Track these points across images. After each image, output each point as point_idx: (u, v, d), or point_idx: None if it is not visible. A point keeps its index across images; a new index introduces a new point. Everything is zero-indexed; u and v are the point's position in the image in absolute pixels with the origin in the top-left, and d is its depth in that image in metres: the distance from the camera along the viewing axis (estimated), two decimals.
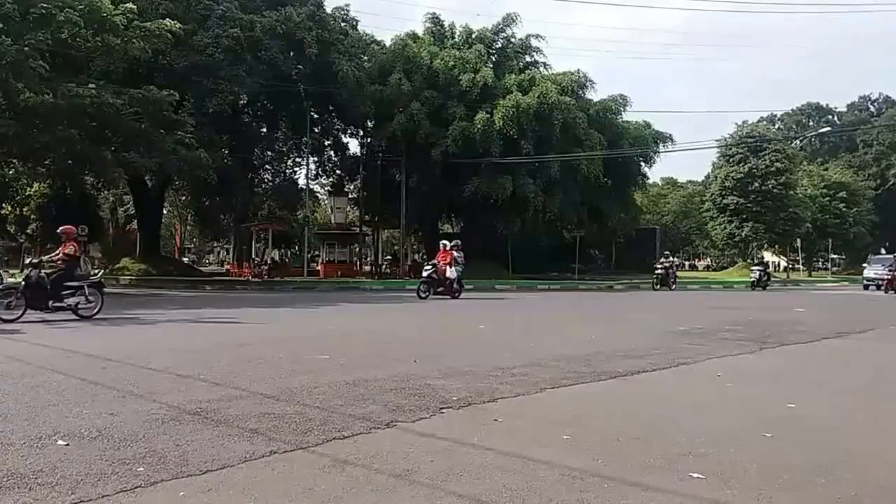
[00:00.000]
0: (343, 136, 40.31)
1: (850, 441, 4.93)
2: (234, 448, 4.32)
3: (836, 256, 63.31)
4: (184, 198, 44.43)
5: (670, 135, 41.28)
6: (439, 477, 3.88)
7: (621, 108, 39.85)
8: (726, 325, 13.08)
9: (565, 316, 16.70)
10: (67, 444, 4.34)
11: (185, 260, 56.71)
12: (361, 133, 39.57)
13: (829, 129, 69.44)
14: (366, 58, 35.64)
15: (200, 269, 51.75)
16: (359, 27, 36.48)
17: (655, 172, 63.97)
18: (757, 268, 34.70)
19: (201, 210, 40.41)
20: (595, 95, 39.07)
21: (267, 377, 6.77)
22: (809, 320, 14.78)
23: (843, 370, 8.52)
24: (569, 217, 36.68)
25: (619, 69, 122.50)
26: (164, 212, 45.13)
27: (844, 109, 73.51)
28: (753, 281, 33.10)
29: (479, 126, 32.58)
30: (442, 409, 5.55)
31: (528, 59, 39.40)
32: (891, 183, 58.55)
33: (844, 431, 5.26)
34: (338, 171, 42.01)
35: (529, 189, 33.04)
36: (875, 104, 72.87)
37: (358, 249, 44.19)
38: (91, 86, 21.87)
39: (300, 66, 31.43)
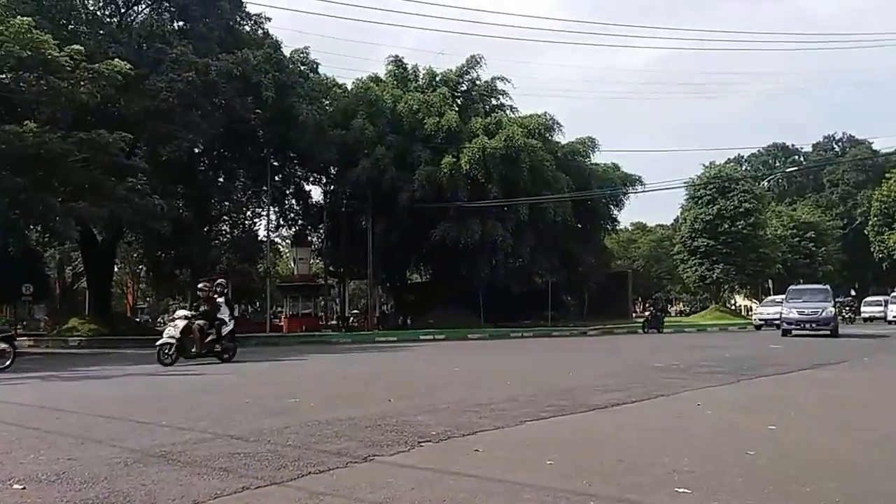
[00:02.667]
0: (305, 184, 40.13)
1: (832, 456, 5.09)
2: (204, 486, 4.27)
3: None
4: (136, 253, 43.68)
5: (639, 177, 42.20)
6: None
7: (589, 151, 40.62)
8: (702, 362, 13.31)
9: (542, 358, 16.76)
10: (24, 488, 4.25)
11: (138, 320, 55.41)
12: (324, 180, 39.52)
13: (795, 168, 71.85)
14: (327, 102, 35.80)
15: (156, 328, 50.63)
16: (320, 70, 36.72)
17: (625, 217, 65.31)
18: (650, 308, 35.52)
19: (155, 265, 39.56)
20: (563, 138, 39.78)
21: (234, 420, 6.70)
22: (785, 355, 15.11)
23: (819, 397, 8.74)
24: (539, 262, 36.97)
25: (587, 111, 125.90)
26: (116, 268, 44.25)
27: (810, 149, 76.21)
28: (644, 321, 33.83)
29: (445, 170, 32.92)
30: (421, 442, 5.56)
31: (493, 101, 40.10)
32: (857, 222, 60.48)
33: (825, 448, 5.43)
34: (300, 221, 41.77)
35: (498, 232, 33.31)
36: (839, 143, 75.71)
37: (323, 302, 43.83)
38: (32, 124, 21.15)
39: (258, 111, 31.28)
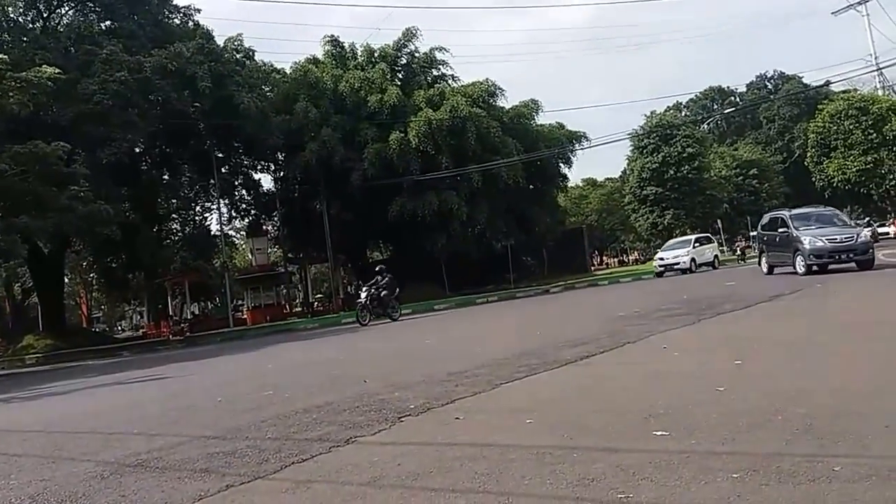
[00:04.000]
0: (254, 173, 39.59)
1: (798, 383, 5.25)
2: (186, 489, 4.20)
3: (754, 233, 66.49)
4: (85, 262, 42.52)
5: (584, 133, 42.75)
6: (409, 477, 3.91)
7: (534, 113, 40.99)
8: (662, 306, 13.57)
9: (509, 321, 16.90)
10: None
11: (96, 329, 54.16)
12: (273, 167, 39.04)
13: (733, 109, 73.22)
14: (267, 88, 35.26)
15: (114, 336, 49.55)
16: (256, 57, 36.02)
17: (575, 174, 65.81)
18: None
19: (106, 272, 38.55)
20: (506, 103, 40.05)
21: (208, 421, 6.60)
22: (741, 291, 15.50)
23: (779, 327, 9.02)
24: (497, 227, 37.26)
25: (528, 74, 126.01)
26: (66, 279, 43.03)
27: (744, 90, 77.64)
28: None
29: (394, 146, 32.81)
30: (401, 418, 5.56)
31: (434, 72, 39.98)
32: (796, 155, 62.03)
33: (791, 376, 5.59)
34: (253, 211, 41.17)
35: (453, 202, 33.44)
36: (772, 81, 77.26)
37: (285, 290, 43.43)
38: None
39: (197, 104, 30.66)
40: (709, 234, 38.21)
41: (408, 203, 33.34)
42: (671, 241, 37.17)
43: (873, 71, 42.42)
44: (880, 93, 39.44)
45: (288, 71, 37.62)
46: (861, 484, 2.94)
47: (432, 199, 33.12)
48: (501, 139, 35.80)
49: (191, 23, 33.91)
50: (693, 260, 32.38)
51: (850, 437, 3.65)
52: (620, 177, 67.31)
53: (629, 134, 49.73)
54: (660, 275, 32.50)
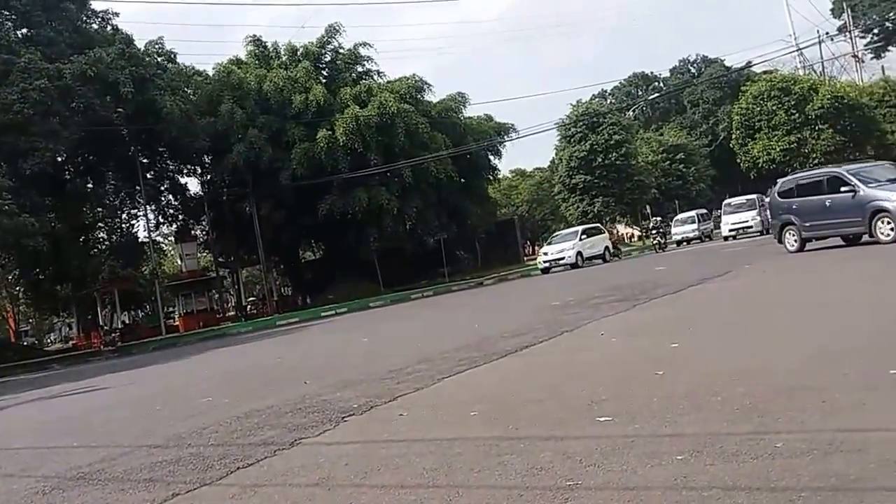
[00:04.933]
0: (180, 177, 38.51)
1: (733, 363, 5.41)
2: (131, 500, 4.10)
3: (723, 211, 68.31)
4: (11, 275, 40.63)
5: (512, 125, 43.21)
6: (358, 476, 3.87)
7: (461, 106, 41.14)
8: (596, 293, 13.82)
9: (446, 315, 16.95)
10: None
11: (25, 343, 51.75)
12: (199, 170, 38.06)
13: (656, 94, 75.11)
14: (190, 91, 34.38)
15: (44, 349, 47.44)
16: (178, 59, 35.06)
17: (504, 165, 66.42)
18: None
19: (33, 284, 37.05)
20: (434, 97, 40.10)
21: (149, 430, 6.40)
22: (671, 275, 15.93)
23: (711, 309, 9.32)
24: (429, 221, 37.31)
25: (454, 67, 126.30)
26: None
27: (668, 75, 79.47)
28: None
29: (322, 144, 32.47)
30: (345, 417, 5.51)
31: (359, 69, 39.64)
32: (721, 137, 63.97)
33: (726, 357, 5.76)
34: (181, 216, 40.01)
35: (384, 197, 33.36)
36: (694, 65, 79.23)
37: (217, 295, 42.43)
38: None
39: (120, 109, 29.82)
40: (598, 225, 36.51)
41: (338, 201, 33.11)
42: (558, 234, 34.65)
43: (794, 51, 44.34)
44: (801, 73, 41.20)
45: (210, 73, 36.67)
46: (802, 459, 3.04)
47: (362, 196, 32.96)
48: (430, 134, 35.85)
49: (109, 27, 32.92)
50: (580, 254, 30.12)
51: (788, 413, 3.78)
52: (549, 166, 68.20)
53: (556, 123, 50.38)
54: (545, 271, 30.27)
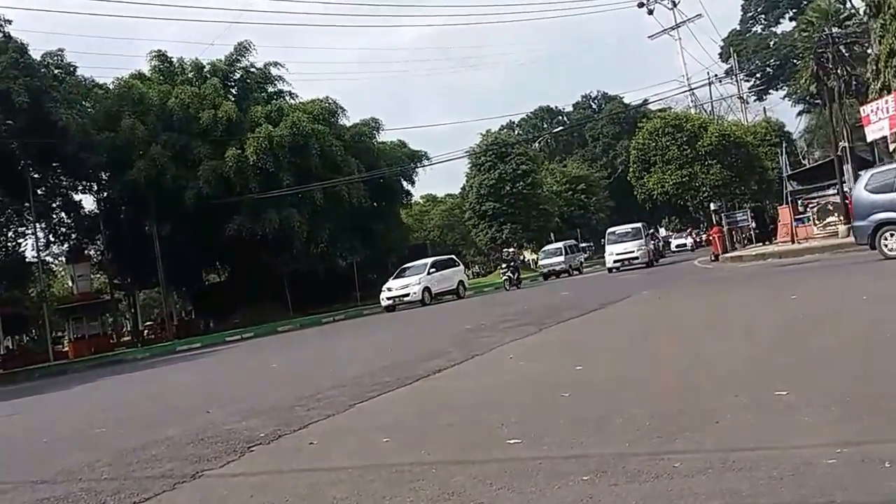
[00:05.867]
0: (74, 194, 36.62)
1: (635, 385, 5.63)
2: None
3: (584, 244, 71.00)
4: None
5: (425, 152, 43.86)
6: None
7: (374, 132, 41.38)
8: (507, 317, 14.08)
9: (357, 339, 16.75)
10: None
11: None
12: (96, 187, 36.31)
13: (561, 128, 78.00)
14: (88, 104, 32.90)
15: None
16: (78, 72, 33.47)
17: (417, 190, 66.72)
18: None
19: None
20: (347, 121, 40.12)
21: (34, 464, 5.98)
22: (576, 300, 16.46)
23: (613, 332, 9.66)
24: (341, 244, 37.05)
25: (366, 92, 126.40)
26: None
27: (571, 109, 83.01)
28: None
29: (231, 163, 31.74)
30: (251, 447, 5.31)
31: (271, 88, 39.22)
32: (619, 170, 66.92)
33: (629, 380, 5.98)
34: (74, 235, 37.95)
35: (295, 219, 32.83)
36: (595, 101, 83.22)
37: (112, 319, 40.39)
38: None
39: (11, 121, 28.16)
40: (453, 256, 33.53)
41: (246, 222, 32.33)
42: (408, 266, 30.71)
43: (686, 91, 47.14)
44: (693, 111, 43.74)
45: (111, 86, 35.22)
46: (699, 478, 3.18)
47: (273, 218, 32.32)
48: (344, 157, 35.77)
49: (1, 35, 31.05)
50: (427, 289, 27.58)
51: (685, 433, 3.96)
52: (461, 193, 69.24)
53: (467, 152, 51.46)
54: (389, 309, 27.72)
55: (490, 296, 27.82)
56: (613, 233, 32.97)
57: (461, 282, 30.31)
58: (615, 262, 31.22)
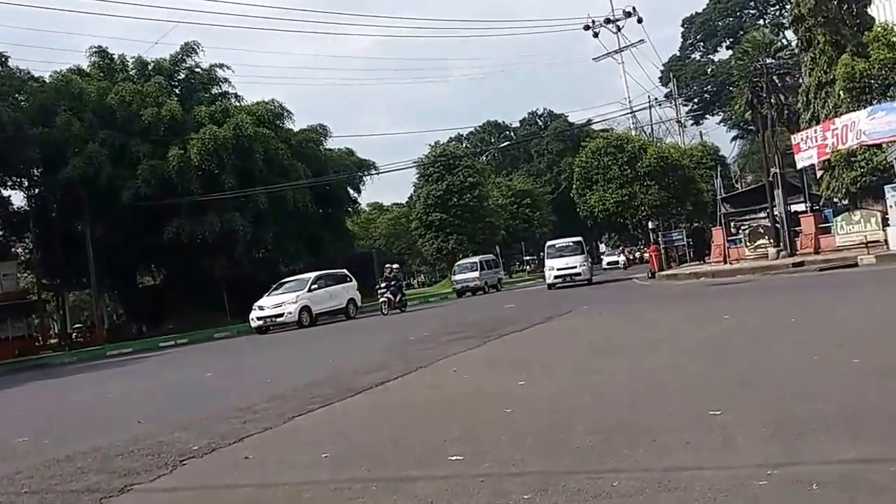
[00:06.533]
0: (3, 189, 34.97)
1: (576, 402, 5.70)
2: None
3: (528, 258, 71.77)
4: None
5: (373, 162, 43.63)
6: None
7: (322, 138, 40.99)
8: (451, 329, 14.08)
9: (298, 349, 16.47)
10: None
11: None
12: (27, 183, 34.82)
13: (507, 143, 78.86)
14: (22, 97, 31.59)
15: None
16: (10, 63, 32.04)
17: (363, 198, 66.56)
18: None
19: None
20: (294, 125, 39.59)
21: None
22: (519, 314, 16.59)
23: (555, 347, 9.76)
24: (285, 249, 36.50)
25: (314, 98, 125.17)
26: None
27: (518, 125, 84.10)
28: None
29: (173, 163, 30.85)
30: (183, 461, 5.13)
31: (216, 90, 38.40)
32: (563, 186, 68.01)
33: (568, 395, 6.06)
34: (0, 231, 36.31)
35: (237, 223, 32.10)
36: (542, 118, 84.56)
37: (38, 320, 38.67)
38: None
39: None
40: (345, 271, 27.95)
41: (186, 224, 31.45)
42: (287, 280, 26.56)
43: (628, 113, 48.23)
44: (633, 133, 44.78)
45: (47, 79, 33.89)
46: (636, 498, 3.22)
47: (214, 221, 31.53)
48: (290, 162, 35.30)
49: None
50: (306, 308, 23.53)
51: (623, 453, 4.00)
52: (408, 202, 69.23)
53: (415, 162, 51.49)
54: (260, 331, 23.56)
55: (413, 314, 27.67)
56: (553, 246, 31.43)
57: (352, 300, 26.11)
58: (556, 277, 29.34)
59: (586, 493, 3.34)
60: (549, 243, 32.07)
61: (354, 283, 27.20)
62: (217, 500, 4.08)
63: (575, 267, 29.22)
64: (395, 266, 29.14)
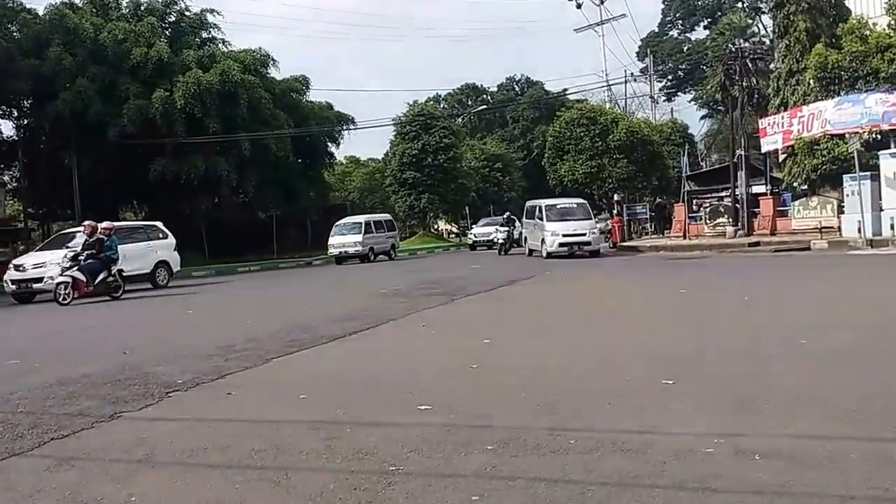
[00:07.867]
0: None
1: (538, 361, 5.85)
2: None
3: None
4: None
5: (352, 117, 42.96)
6: (184, 455, 3.72)
7: (304, 89, 40.18)
8: (420, 285, 14.20)
9: (274, 292, 16.46)
10: None
11: None
12: (17, 113, 33.73)
13: (484, 107, 78.11)
14: (14, 28, 30.32)
15: None
16: None
17: (340, 151, 65.76)
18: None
19: None
20: (278, 74, 38.70)
21: None
22: (486, 275, 16.74)
23: (518, 309, 9.94)
24: (264, 197, 36.07)
25: (299, 48, 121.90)
26: None
27: (495, 89, 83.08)
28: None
29: (158, 105, 30.07)
30: (169, 393, 5.22)
31: (204, 34, 37.25)
32: (535, 154, 67.81)
33: (531, 355, 6.22)
34: None
35: (222, 167, 31.62)
36: (519, 84, 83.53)
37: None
38: None
39: None
40: (156, 224, 21.31)
41: (170, 164, 30.90)
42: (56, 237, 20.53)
43: (604, 85, 48.05)
44: (608, 106, 44.60)
45: (41, 12, 32.55)
46: (592, 455, 3.37)
47: (198, 164, 31.00)
48: (273, 111, 34.61)
49: None
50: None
51: (581, 413, 4.18)
52: (383, 159, 68.57)
53: (393, 120, 50.85)
54: (21, 298, 16.96)
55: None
56: (553, 207, 23.88)
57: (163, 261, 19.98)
58: (560, 245, 22.07)
59: (545, 448, 3.49)
60: (545, 203, 24.64)
61: (171, 240, 20.79)
62: (203, 431, 4.17)
63: (584, 234, 22.29)
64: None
